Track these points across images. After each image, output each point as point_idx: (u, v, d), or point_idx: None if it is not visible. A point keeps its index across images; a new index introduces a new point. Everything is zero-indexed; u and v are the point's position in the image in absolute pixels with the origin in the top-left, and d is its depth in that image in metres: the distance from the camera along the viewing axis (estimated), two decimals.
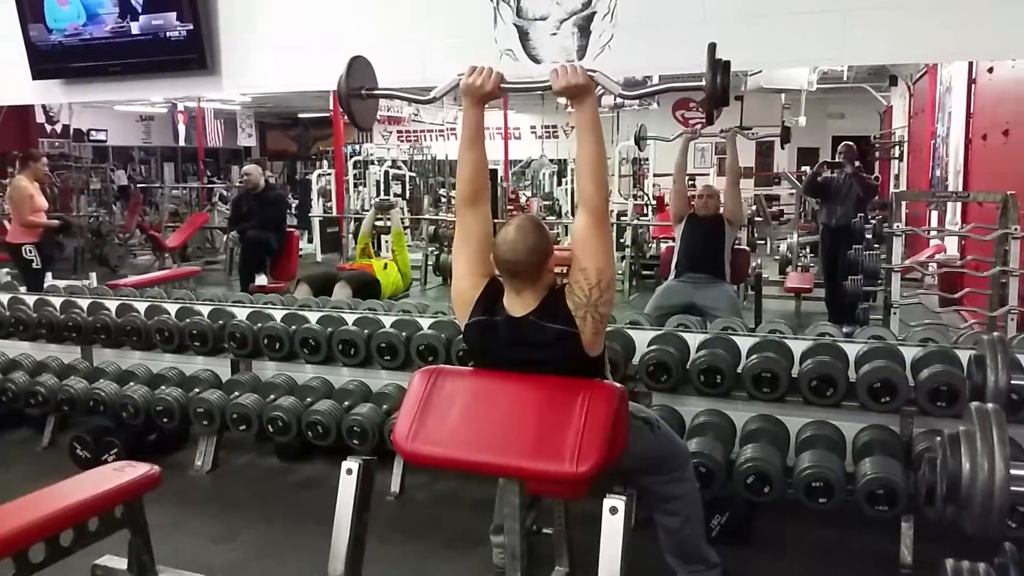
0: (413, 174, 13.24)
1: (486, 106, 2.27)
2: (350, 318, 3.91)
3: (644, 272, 8.96)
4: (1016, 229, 4.64)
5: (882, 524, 2.91)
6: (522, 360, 2.05)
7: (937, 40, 3.08)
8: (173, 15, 3.94)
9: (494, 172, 13.49)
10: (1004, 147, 5.84)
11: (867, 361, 3.06)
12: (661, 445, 2.41)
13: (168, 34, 3.96)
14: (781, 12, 3.22)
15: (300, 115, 23.56)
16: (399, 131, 20.67)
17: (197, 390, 3.88)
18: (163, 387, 3.92)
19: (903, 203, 5.08)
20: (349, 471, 1.96)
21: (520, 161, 18.19)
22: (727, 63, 1.98)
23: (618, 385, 1.97)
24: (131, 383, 3.98)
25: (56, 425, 4.22)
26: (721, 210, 4.87)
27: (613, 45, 3.46)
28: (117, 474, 2.35)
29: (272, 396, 3.76)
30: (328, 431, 3.51)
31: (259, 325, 3.93)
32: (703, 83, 2.02)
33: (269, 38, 3.95)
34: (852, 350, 3.18)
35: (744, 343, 3.29)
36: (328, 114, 18.20)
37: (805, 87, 8.98)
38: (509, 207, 12.84)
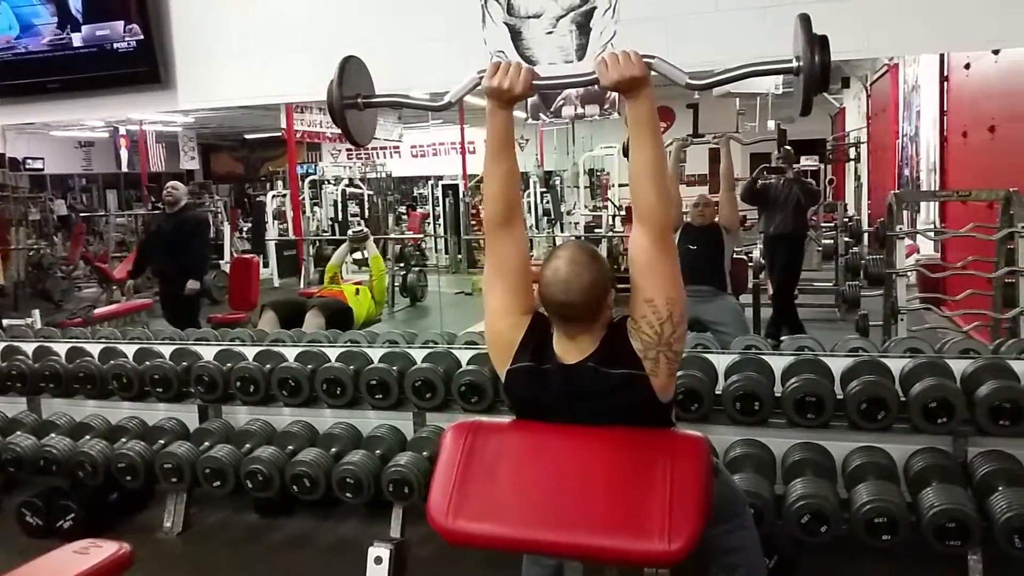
0: (371, 192, 12.81)
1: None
2: (332, 353, 3.53)
3: (620, 286, 8.65)
4: (1023, 227, 4.45)
5: (945, 559, 2.63)
6: (579, 413, 1.71)
7: (969, 27, 2.84)
8: (120, 24, 3.53)
9: (455, 187, 13.19)
10: (991, 143, 5.69)
11: (916, 379, 2.80)
12: (722, 490, 2.09)
13: (115, 46, 3.55)
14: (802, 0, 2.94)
15: (247, 136, 22.97)
16: (348, 149, 20.24)
17: (162, 442, 3.45)
18: (123, 440, 3.48)
19: (904, 203, 4.86)
20: (379, 560, 1.60)
21: (476, 175, 17.91)
22: (824, 38, 1.64)
23: (701, 435, 1.63)
24: (86, 437, 3.54)
25: (0, 488, 3.73)
26: (717, 219, 4.60)
27: (616, 43, 3.16)
28: (79, 558, 1.94)
29: (248, 446, 3.35)
30: (316, 484, 3.12)
31: (229, 365, 3.52)
32: (792, 63, 1.66)
33: (230, 46, 3.57)
34: (896, 366, 2.92)
35: (777, 363, 3.00)
36: (278, 133, 17.71)
37: (772, 90, 8.79)
38: (472, 223, 12.52)
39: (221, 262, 10.76)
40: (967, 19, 2.86)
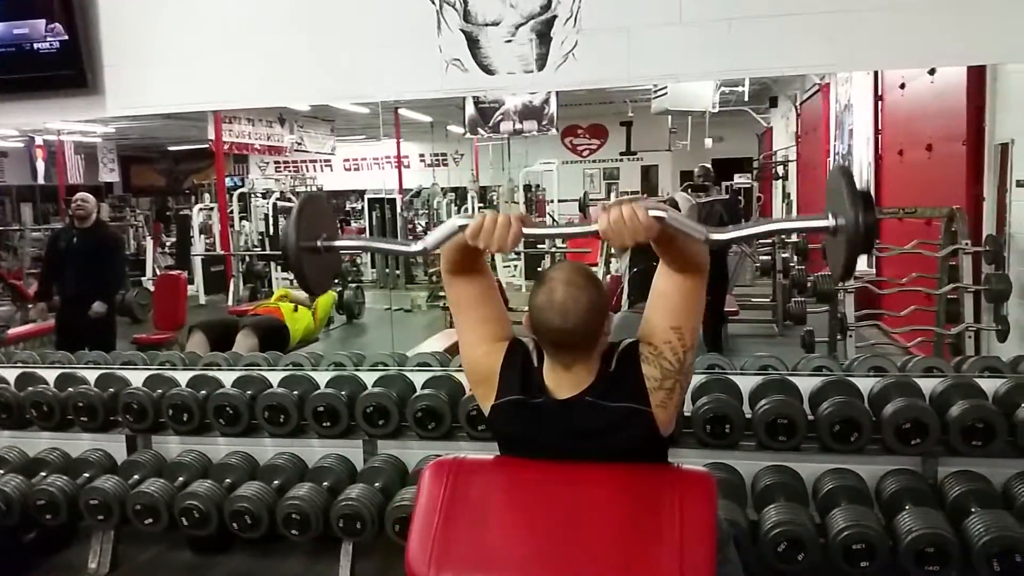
0: None
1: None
2: (273, 377, 3.30)
3: None
4: (967, 244, 4.51)
5: None
6: (572, 451, 1.55)
7: (939, 43, 2.82)
8: (41, 23, 3.26)
9: (391, 201, 12.94)
10: (928, 162, 5.80)
11: (886, 399, 2.74)
12: None
13: (36, 46, 3.27)
14: (770, 14, 2.88)
15: (170, 147, 22.24)
16: (277, 161, 19.78)
17: (87, 475, 3.17)
18: (43, 474, 3.18)
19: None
20: None
21: (410, 190, 17.73)
22: (868, 195, 1.42)
23: (707, 471, 1.50)
24: (0, 472, 3.22)
25: None
26: None
27: (577, 53, 3.05)
28: None
29: (181, 479, 3.09)
30: (258, 520, 2.88)
31: (159, 392, 3.26)
32: (829, 222, 1.43)
33: (166, 51, 3.32)
34: (863, 385, 2.86)
35: (744, 383, 2.92)
36: (204, 145, 17.15)
37: (710, 108, 8.88)
38: (410, 237, 12.29)
39: (144, 278, 10.30)
40: (930, 37, 2.84)
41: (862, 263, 7.84)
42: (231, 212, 10.88)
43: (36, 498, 3.06)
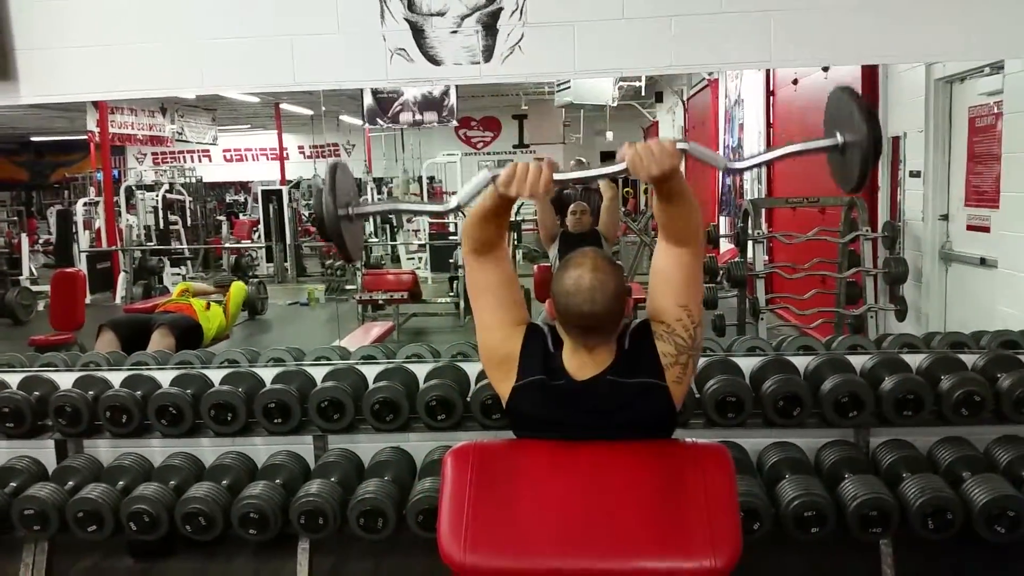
0: (190, 199, 11.98)
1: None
2: (215, 375, 3.20)
3: None
4: (867, 231, 4.84)
5: (855, 545, 2.75)
6: (592, 427, 1.61)
7: (869, 43, 3.03)
8: None
9: (278, 193, 12.59)
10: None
11: (821, 375, 2.93)
12: None
13: None
14: (704, 11, 3.02)
15: (32, 139, 20.87)
16: (155, 152, 18.92)
17: (14, 484, 2.99)
18: None
19: (761, 209, 5.14)
20: None
21: (291, 181, 17.37)
22: (874, 113, 1.55)
23: (722, 445, 1.59)
24: None
25: None
26: (596, 226, 4.65)
27: (524, 46, 3.10)
28: None
29: (122, 483, 2.96)
30: (213, 522, 2.79)
31: (92, 393, 3.11)
32: (837, 140, 1.56)
33: (90, 33, 3.16)
34: (799, 363, 3.04)
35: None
36: (74, 137, 16.18)
37: (610, 102, 9.10)
38: (299, 229, 12.02)
39: (21, 278, 9.68)
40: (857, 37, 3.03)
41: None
42: (117, 206, 10.34)
43: None
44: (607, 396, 1.61)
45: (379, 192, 12.48)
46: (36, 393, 3.14)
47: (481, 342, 1.74)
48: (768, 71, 7.51)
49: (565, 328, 1.63)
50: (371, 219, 11.84)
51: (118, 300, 9.51)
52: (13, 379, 3.23)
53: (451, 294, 7.79)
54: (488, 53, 3.11)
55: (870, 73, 5.22)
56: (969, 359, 2.99)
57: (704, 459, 1.51)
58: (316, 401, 2.97)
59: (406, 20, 3.11)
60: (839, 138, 1.55)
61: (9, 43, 3.20)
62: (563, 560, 1.42)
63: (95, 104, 9.97)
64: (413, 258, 10.74)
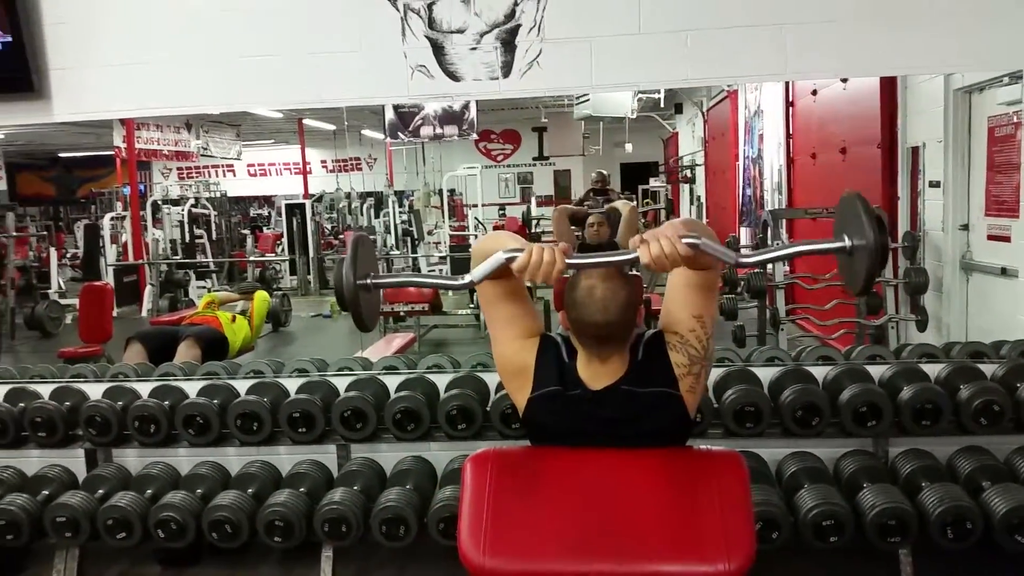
0: (215, 213, 12.14)
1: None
2: (241, 386, 3.27)
3: None
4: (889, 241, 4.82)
5: (874, 555, 2.76)
6: (608, 437, 1.65)
7: (884, 54, 3.05)
8: None
9: (301, 207, 12.72)
10: (842, 164, 6.17)
11: (840, 385, 2.94)
12: None
13: None
14: (720, 25, 3.06)
15: (60, 155, 21.25)
16: (180, 167, 19.19)
17: (46, 492, 3.06)
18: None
19: (781, 220, 5.16)
20: None
21: (313, 195, 17.55)
22: (881, 219, 1.59)
23: (736, 452, 1.62)
24: None
25: None
26: (615, 238, 4.69)
27: (542, 61, 3.15)
28: None
29: (150, 491, 3.03)
30: (239, 529, 2.86)
31: (121, 404, 3.18)
32: (845, 243, 1.58)
33: (121, 52, 3.25)
34: (817, 373, 3.06)
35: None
36: (102, 152, 16.46)
37: (629, 114, 9.15)
38: (322, 242, 12.13)
39: (51, 291, 9.86)
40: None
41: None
42: (144, 220, 10.52)
43: None
44: (622, 406, 1.64)
45: (400, 205, 12.58)
46: (67, 403, 3.22)
47: (496, 354, 1.78)
48: (787, 82, 7.52)
49: (579, 338, 1.67)
50: (391, 231, 11.96)
51: (145, 313, 9.65)
52: (45, 390, 3.32)
53: (471, 306, 7.84)
54: (507, 69, 3.17)
55: (889, 84, 5.22)
56: (988, 369, 2.99)
57: (718, 465, 1.55)
58: (339, 411, 3.03)
59: (426, 37, 3.17)
60: (847, 241, 1.56)
61: (43, 63, 3.31)
62: (580, 564, 1.46)
63: (122, 121, 10.15)
64: (434, 270, 10.81)
